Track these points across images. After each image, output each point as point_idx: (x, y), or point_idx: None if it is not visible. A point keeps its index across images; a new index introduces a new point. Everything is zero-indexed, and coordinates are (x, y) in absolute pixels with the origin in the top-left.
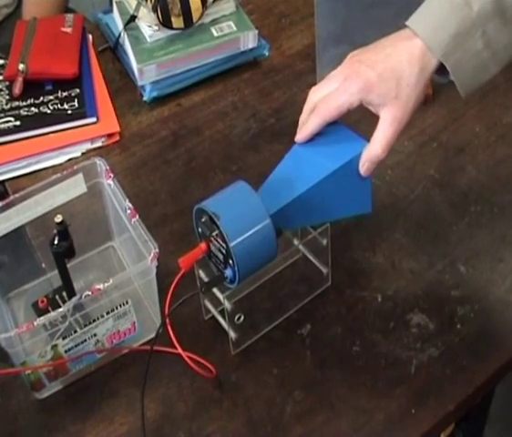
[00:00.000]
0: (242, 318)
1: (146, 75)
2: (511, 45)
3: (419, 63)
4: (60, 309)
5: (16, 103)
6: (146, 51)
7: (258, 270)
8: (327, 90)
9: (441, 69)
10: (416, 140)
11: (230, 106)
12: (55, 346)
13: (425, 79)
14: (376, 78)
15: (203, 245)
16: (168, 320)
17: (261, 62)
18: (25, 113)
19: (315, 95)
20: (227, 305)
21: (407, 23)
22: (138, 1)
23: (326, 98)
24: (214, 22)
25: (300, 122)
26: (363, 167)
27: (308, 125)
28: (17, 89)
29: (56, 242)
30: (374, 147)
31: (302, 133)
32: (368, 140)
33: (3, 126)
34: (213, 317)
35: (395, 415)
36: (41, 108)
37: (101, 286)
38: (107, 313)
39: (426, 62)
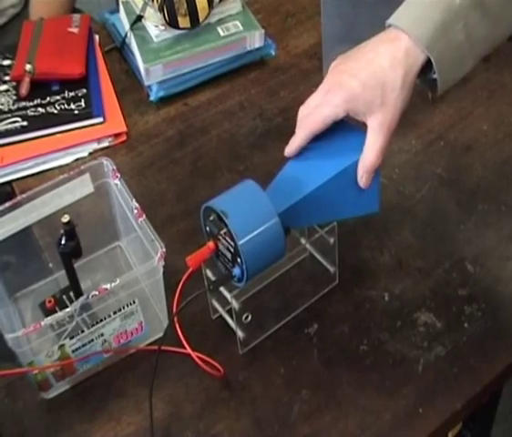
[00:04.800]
0: (250, 317)
1: (152, 74)
2: (488, 38)
3: (403, 65)
4: (67, 309)
5: (23, 103)
6: (152, 51)
7: (266, 269)
8: (314, 103)
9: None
10: (424, 139)
11: (236, 105)
12: (62, 346)
13: (411, 81)
14: (360, 87)
15: (211, 244)
16: (175, 320)
17: (268, 61)
18: (32, 113)
19: (303, 110)
20: (234, 304)
21: (389, 21)
22: (145, 1)
23: (311, 112)
24: (220, 21)
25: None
26: (362, 178)
27: (295, 138)
28: (24, 90)
29: (63, 242)
30: (369, 157)
31: (290, 146)
32: None
33: (10, 126)
34: (221, 316)
35: (403, 414)
36: (48, 109)
37: (108, 286)
38: (115, 313)
39: (411, 63)
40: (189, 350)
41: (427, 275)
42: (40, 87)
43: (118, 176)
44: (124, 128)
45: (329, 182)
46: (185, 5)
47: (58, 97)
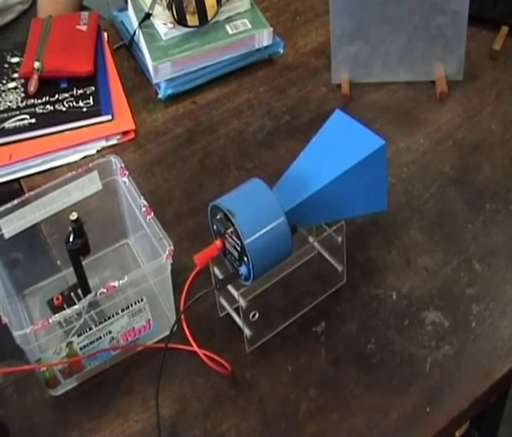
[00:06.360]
0: (257, 315)
1: (161, 72)
2: None
3: None
4: (75, 307)
5: (32, 101)
6: (161, 49)
7: (273, 268)
8: None
9: None
10: (432, 138)
11: (244, 103)
12: (70, 343)
13: None
14: None
15: (218, 242)
16: (183, 318)
17: (276, 60)
18: (41, 111)
19: None
20: (242, 302)
21: None
22: None
23: None
24: (229, 19)
25: None
26: None
27: None
28: (33, 87)
29: (71, 240)
30: None
31: None
32: (383, 138)
33: (18, 123)
34: (228, 314)
35: (410, 413)
36: (56, 106)
37: (116, 283)
38: (122, 310)
39: None
40: (195, 348)
41: (435, 274)
42: (48, 85)
43: (127, 173)
44: (132, 126)
45: (336, 180)
46: (193, 3)
47: (67, 95)
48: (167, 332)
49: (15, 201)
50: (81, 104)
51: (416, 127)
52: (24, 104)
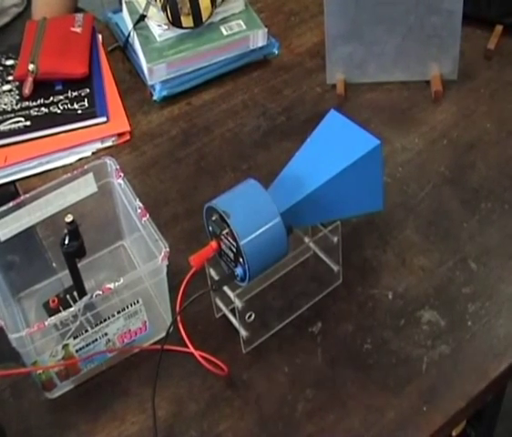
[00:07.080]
0: (253, 316)
1: (156, 74)
2: None
3: None
4: (71, 309)
5: (26, 103)
6: (155, 50)
7: (268, 268)
8: None
9: None
10: (427, 137)
11: (240, 104)
12: (66, 345)
13: None
14: None
15: (214, 243)
16: (179, 319)
17: (271, 60)
18: (36, 113)
19: None
20: (238, 303)
21: None
22: (148, 0)
23: None
24: (223, 21)
25: None
26: None
27: None
28: (27, 89)
29: (66, 242)
30: None
31: None
32: (379, 138)
33: (13, 126)
34: (224, 315)
35: (407, 413)
36: (51, 108)
37: (112, 285)
38: (118, 312)
39: None
40: (192, 350)
41: (431, 273)
42: (43, 87)
43: (122, 175)
44: (127, 128)
45: (332, 181)
46: (188, 5)
47: (61, 97)
48: (163, 334)
49: (11, 204)
50: (76, 106)
51: (411, 126)
52: (18, 106)
